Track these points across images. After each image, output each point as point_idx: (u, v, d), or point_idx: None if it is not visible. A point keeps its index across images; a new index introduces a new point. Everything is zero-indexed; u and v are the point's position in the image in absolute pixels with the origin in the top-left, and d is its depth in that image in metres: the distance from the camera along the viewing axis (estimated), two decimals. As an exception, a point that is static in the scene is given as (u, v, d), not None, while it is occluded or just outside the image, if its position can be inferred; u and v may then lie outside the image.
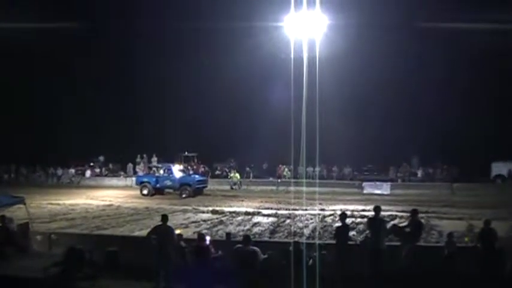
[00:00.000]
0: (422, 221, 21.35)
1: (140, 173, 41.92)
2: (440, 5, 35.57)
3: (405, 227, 14.55)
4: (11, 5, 33.10)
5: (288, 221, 23.58)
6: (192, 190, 34.39)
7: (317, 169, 40.63)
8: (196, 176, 37.61)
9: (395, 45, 37.90)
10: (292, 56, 26.80)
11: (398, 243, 13.90)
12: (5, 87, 42.83)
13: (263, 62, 38.64)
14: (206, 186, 36.87)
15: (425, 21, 34.87)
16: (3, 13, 30.95)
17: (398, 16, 37.16)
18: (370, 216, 15.22)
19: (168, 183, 35.47)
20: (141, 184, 36.13)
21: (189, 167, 41.28)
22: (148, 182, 35.74)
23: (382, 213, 14.53)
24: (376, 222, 13.81)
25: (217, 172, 44.83)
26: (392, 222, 19.19)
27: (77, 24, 38.33)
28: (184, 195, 33.93)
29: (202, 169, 42.88)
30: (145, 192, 35.27)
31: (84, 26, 39.71)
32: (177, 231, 13.95)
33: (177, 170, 36.72)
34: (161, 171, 36.16)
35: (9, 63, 42.26)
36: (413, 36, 37.74)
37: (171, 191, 35.54)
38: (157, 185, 35.48)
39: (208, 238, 13.37)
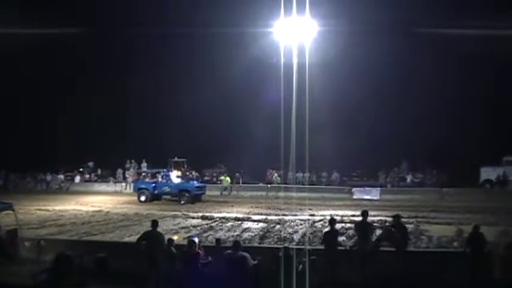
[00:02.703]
0: (412, 226, 21.62)
1: (130, 179, 41.79)
2: (431, 11, 35.85)
3: (392, 226, 14.60)
4: (10, 9, 32.92)
5: (277, 226, 23.57)
6: (191, 196, 34.10)
7: (306, 174, 40.66)
8: (195, 182, 37.44)
9: (384, 51, 38.08)
10: (282, 62, 26.88)
11: (389, 248, 13.96)
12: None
13: (253, 68, 38.71)
14: (205, 193, 36.61)
15: (413, 27, 35.06)
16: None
17: (387, 22, 37.34)
18: (358, 220, 15.30)
19: (167, 189, 35.14)
20: (139, 190, 35.71)
21: (187, 173, 41.06)
22: (147, 189, 35.37)
23: (372, 218, 14.60)
24: (363, 226, 13.89)
25: (206, 177, 44.69)
26: (382, 227, 19.23)
27: (70, 30, 38.20)
28: (183, 202, 33.58)
29: (192, 174, 42.69)
30: (143, 198, 34.84)
31: (74, 30, 39.53)
32: (174, 237, 13.97)
33: (175, 176, 36.49)
34: (159, 178, 35.98)
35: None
36: (402, 42, 37.88)
37: (169, 197, 35.38)
38: (156, 192, 35.20)
39: (197, 244, 13.34)
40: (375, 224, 18.89)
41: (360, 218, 14.57)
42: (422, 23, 34.24)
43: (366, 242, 13.53)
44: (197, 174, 43.70)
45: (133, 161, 43.63)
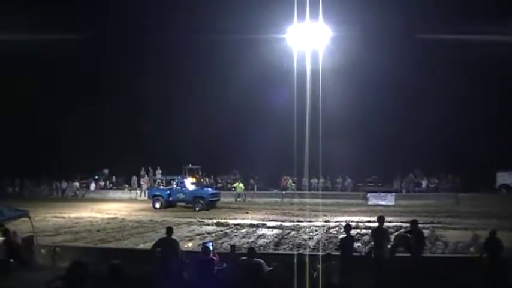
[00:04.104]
0: (428, 231, 21.43)
1: (145, 186, 41.88)
2: (442, 17, 35.70)
3: (408, 232, 14.49)
4: (15, 16, 33.21)
5: (292, 233, 23.50)
6: (205, 203, 34.05)
7: (321, 180, 40.54)
8: (210, 189, 37.36)
9: (398, 56, 37.93)
10: (295, 67, 26.89)
11: (406, 254, 13.85)
12: (10, 100, 43.03)
13: (266, 74, 38.78)
14: (219, 199, 36.57)
15: (427, 33, 34.93)
16: (8, 24, 31.10)
17: (400, 28, 37.28)
18: (374, 226, 15.21)
19: (181, 196, 35.13)
20: (153, 197, 35.68)
21: (202, 180, 41.04)
22: (161, 196, 35.36)
23: (388, 224, 14.48)
24: (379, 232, 13.81)
25: (219, 184, 44.64)
26: (396, 233, 19.11)
27: (83, 37, 38.50)
28: (197, 209, 33.55)
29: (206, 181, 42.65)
30: (157, 205, 34.83)
31: (89, 39, 39.89)
32: (189, 244, 13.96)
33: (189, 183, 36.50)
34: (174, 185, 35.97)
35: (14, 75, 42.55)
36: (415, 48, 37.79)
37: (183, 204, 35.39)
38: (170, 198, 35.20)
39: (212, 251, 13.32)
40: (390, 230, 18.77)
41: (376, 224, 14.47)
42: (436, 28, 34.12)
43: (382, 248, 13.44)
44: (211, 180, 43.73)
45: (149, 168, 43.69)
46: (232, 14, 38.10)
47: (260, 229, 24.92)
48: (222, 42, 38.88)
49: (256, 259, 11.79)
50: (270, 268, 12.09)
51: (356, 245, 16.52)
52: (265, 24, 33.84)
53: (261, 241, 21.42)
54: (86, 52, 43.29)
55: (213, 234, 23.25)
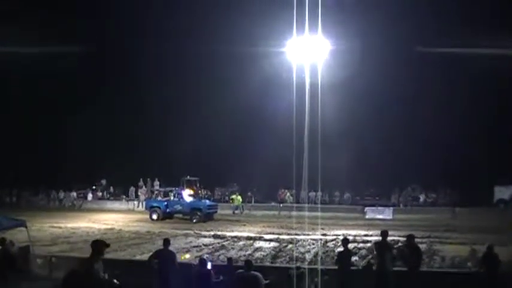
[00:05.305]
0: (425, 246, 21.43)
1: (142, 197, 41.83)
2: (443, 29, 35.82)
3: (404, 246, 14.49)
4: (17, 28, 33.36)
5: (290, 246, 23.47)
6: (202, 215, 34.04)
7: (319, 194, 40.52)
8: (207, 201, 37.34)
9: (396, 70, 38.06)
10: (294, 80, 26.94)
11: (404, 268, 13.84)
12: (9, 110, 43.06)
13: (265, 86, 38.85)
14: (217, 211, 36.57)
15: (425, 46, 35.08)
16: (9, 36, 31.24)
17: (398, 41, 37.43)
18: (377, 240, 15.22)
19: (179, 207, 35.13)
20: (151, 209, 35.62)
21: (200, 192, 40.97)
22: (159, 207, 35.34)
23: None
24: (383, 246, 13.80)
25: (216, 196, 44.55)
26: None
27: (82, 49, 38.62)
28: (195, 220, 33.57)
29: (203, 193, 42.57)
30: (154, 217, 34.77)
31: (89, 51, 39.99)
32: (186, 256, 13.93)
33: (187, 195, 36.40)
34: (171, 196, 35.96)
35: (12, 85, 42.64)
36: (414, 61, 37.94)
37: (180, 215, 35.31)
38: (168, 210, 35.17)
39: (209, 263, 13.31)
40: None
41: (379, 238, 14.47)
42: (434, 41, 34.27)
43: (385, 261, 13.44)
44: (209, 193, 43.66)
45: (148, 179, 43.61)
46: (231, 27, 38.24)
47: (257, 242, 24.91)
48: (222, 55, 38.97)
49: (253, 272, 11.74)
50: (267, 281, 12.05)
51: (353, 258, 16.47)
52: (264, 37, 34.00)
53: (258, 254, 21.40)
54: (85, 63, 43.39)
55: (210, 247, 23.26)
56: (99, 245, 9.11)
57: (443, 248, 22.18)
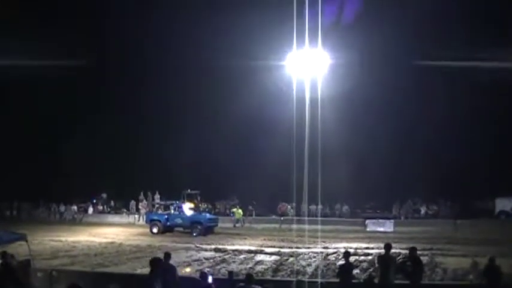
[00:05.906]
0: (427, 258, 21.37)
1: (143, 211, 41.74)
2: (444, 42, 35.95)
3: (407, 259, 14.46)
4: (16, 41, 33.42)
5: (291, 259, 23.41)
6: (203, 228, 33.95)
7: (319, 207, 40.42)
8: (208, 215, 37.28)
9: (396, 83, 38.16)
10: (294, 94, 27.00)
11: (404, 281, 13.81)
12: (9, 123, 43.10)
13: (265, 100, 38.93)
14: (217, 225, 36.46)
15: (425, 60, 35.15)
16: (8, 49, 31.29)
17: (398, 55, 37.54)
18: (380, 253, 15.20)
19: (179, 221, 35.05)
20: (151, 222, 35.56)
21: (200, 205, 40.89)
22: (159, 220, 35.25)
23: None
24: (387, 259, 13.78)
25: (216, 210, 44.44)
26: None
27: (82, 62, 38.66)
28: (195, 234, 33.46)
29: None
30: (155, 230, 34.69)
31: (89, 64, 40.05)
32: (187, 270, 13.90)
33: (187, 208, 36.30)
34: (172, 209, 35.89)
35: (12, 99, 42.74)
36: (414, 75, 38.04)
37: (181, 229, 35.22)
38: (168, 223, 35.12)
39: (210, 277, 13.28)
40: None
41: (382, 251, 14.44)
42: (435, 55, 34.35)
43: (388, 275, 13.41)
44: (210, 206, 43.57)
45: (148, 192, 43.52)
46: (231, 40, 38.42)
47: (258, 255, 24.87)
48: (222, 68, 39.06)
49: (254, 285, 11.74)
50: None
51: (355, 271, 16.44)
52: (264, 51, 34.08)
53: (259, 267, 21.34)
54: (86, 76, 43.44)
55: (211, 260, 23.19)
56: None
57: (445, 261, 22.13)
